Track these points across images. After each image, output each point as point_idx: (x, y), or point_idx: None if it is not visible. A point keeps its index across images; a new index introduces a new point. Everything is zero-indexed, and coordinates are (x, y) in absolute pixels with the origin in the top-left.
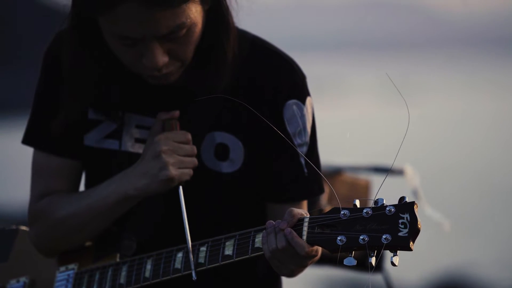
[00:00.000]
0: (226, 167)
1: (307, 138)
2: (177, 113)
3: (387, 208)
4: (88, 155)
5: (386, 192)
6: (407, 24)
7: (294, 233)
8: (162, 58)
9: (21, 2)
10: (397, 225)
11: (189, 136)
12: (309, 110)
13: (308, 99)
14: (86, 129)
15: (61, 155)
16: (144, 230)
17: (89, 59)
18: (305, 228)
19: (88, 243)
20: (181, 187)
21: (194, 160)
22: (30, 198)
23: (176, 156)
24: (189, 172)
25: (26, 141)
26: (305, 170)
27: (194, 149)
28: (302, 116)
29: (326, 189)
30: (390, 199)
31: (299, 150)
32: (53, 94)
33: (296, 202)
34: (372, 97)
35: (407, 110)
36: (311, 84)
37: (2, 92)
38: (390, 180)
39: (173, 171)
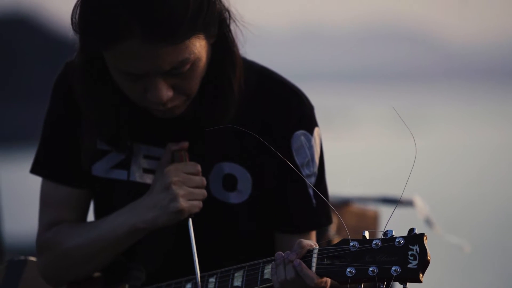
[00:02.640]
0: (234, 198)
1: (315, 169)
2: (186, 144)
3: (397, 240)
4: (96, 185)
5: (396, 223)
6: (416, 56)
7: (304, 265)
8: (167, 93)
9: (32, 37)
10: (406, 257)
11: (199, 167)
12: (317, 141)
13: (316, 130)
14: (95, 159)
15: (69, 184)
16: (153, 261)
17: (98, 92)
18: (314, 260)
19: (96, 274)
20: (190, 220)
21: (204, 192)
22: (38, 227)
23: (186, 188)
24: (199, 204)
25: (34, 170)
26: (314, 201)
27: (203, 180)
28: (310, 147)
29: (335, 220)
30: (399, 231)
31: (307, 181)
32: (62, 124)
33: (305, 233)
34: (380, 128)
35: (414, 141)
36: (320, 115)
37: (12, 125)
38: (400, 211)
39: (183, 203)
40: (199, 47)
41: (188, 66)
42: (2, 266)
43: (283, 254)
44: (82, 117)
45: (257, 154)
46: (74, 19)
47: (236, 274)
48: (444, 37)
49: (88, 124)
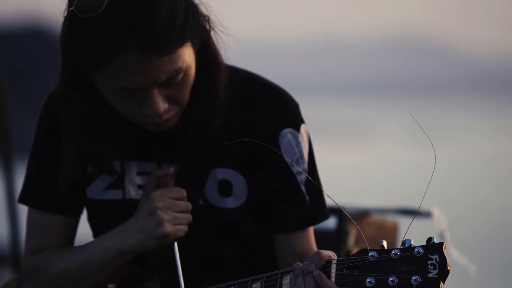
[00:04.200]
0: (231, 203)
1: (305, 165)
2: (171, 169)
3: (416, 249)
4: (91, 207)
5: (414, 234)
6: (435, 67)
7: (323, 275)
8: (163, 105)
9: (50, 49)
10: (426, 266)
11: (184, 192)
12: (305, 138)
13: (302, 127)
14: (87, 182)
15: (55, 212)
16: (167, 272)
17: (84, 116)
18: (333, 270)
19: (111, 286)
20: (176, 244)
21: (189, 216)
22: (24, 253)
23: (171, 213)
24: (184, 228)
25: (21, 199)
26: (307, 198)
27: (189, 205)
28: (298, 144)
29: (353, 231)
30: (417, 241)
31: (298, 178)
32: (48, 154)
33: (301, 230)
34: (399, 139)
35: (434, 152)
36: (339, 127)
37: (30, 135)
38: (418, 222)
39: (169, 228)
40: (189, 55)
41: (181, 76)
42: (15, 277)
43: (301, 264)
44: (68, 142)
45: (249, 157)
46: (63, 42)
47: (254, 285)
48: (464, 48)
49: (74, 149)
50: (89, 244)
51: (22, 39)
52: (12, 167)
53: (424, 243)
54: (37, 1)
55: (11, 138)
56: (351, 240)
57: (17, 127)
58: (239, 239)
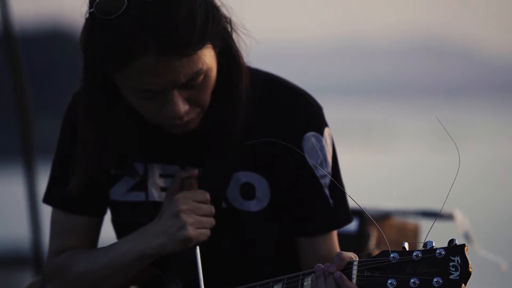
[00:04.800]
0: (254, 206)
1: (329, 169)
2: (196, 171)
3: (437, 251)
4: (114, 208)
5: (436, 236)
6: (458, 69)
7: (344, 277)
8: (183, 107)
9: (71, 52)
10: (448, 268)
11: (208, 195)
12: (328, 141)
13: (326, 130)
14: (111, 183)
15: (78, 213)
16: (189, 274)
17: (106, 118)
18: (355, 272)
19: None
20: (198, 248)
21: (212, 220)
22: (47, 254)
23: (194, 216)
24: (207, 232)
25: (45, 200)
26: (331, 201)
27: (212, 209)
28: (322, 148)
29: (375, 233)
30: (439, 244)
31: (321, 181)
32: (71, 155)
33: (325, 234)
34: (421, 141)
35: (458, 153)
36: (360, 129)
37: (53, 138)
38: (439, 224)
39: (191, 231)
40: (210, 57)
41: (201, 77)
42: (38, 279)
43: (322, 266)
44: (89, 143)
45: (272, 161)
46: (84, 43)
47: (275, 287)
48: (486, 50)
49: (96, 150)
50: (111, 246)
51: (43, 41)
52: (34, 168)
53: (446, 245)
54: (58, 4)
55: (33, 140)
56: (372, 242)
57: (39, 128)
58: (262, 242)
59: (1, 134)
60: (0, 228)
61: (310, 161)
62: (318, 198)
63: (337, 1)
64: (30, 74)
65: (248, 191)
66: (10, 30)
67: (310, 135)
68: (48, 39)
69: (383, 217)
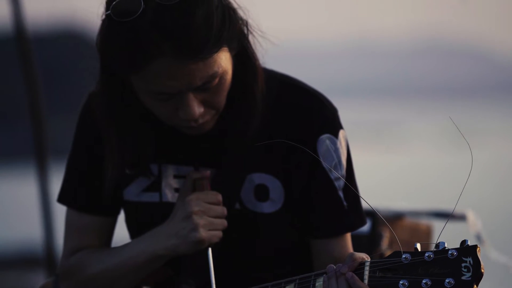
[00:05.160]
0: (268, 207)
1: (343, 171)
2: (208, 172)
3: (449, 252)
4: (128, 209)
5: (448, 237)
6: (470, 69)
7: (356, 277)
8: (198, 109)
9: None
10: (460, 269)
11: (220, 197)
12: (343, 143)
13: (341, 132)
14: (125, 184)
15: (92, 213)
16: (202, 275)
17: (122, 118)
18: (366, 272)
19: None
20: (210, 250)
21: (224, 222)
22: (62, 253)
23: (206, 218)
24: (219, 234)
25: (60, 199)
26: (345, 203)
27: (224, 210)
28: (336, 150)
29: (387, 234)
30: (451, 245)
31: (336, 184)
32: (87, 154)
33: (339, 236)
34: (433, 142)
35: (471, 153)
36: (372, 130)
37: (66, 139)
38: (452, 225)
39: (204, 233)
40: (225, 60)
41: (217, 80)
42: (51, 280)
43: (334, 266)
44: (105, 144)
45: (286, 162)
46: (100, 45)
47: (287, 287)
48: (499, 51)
49: (112, 151)
50: (123, 247)
51: (55, 42)
52: (47, 169)
53: (458, 245)
54: (72, 4)
55: (45, 140)
56: (384, 243)
57: (51, 129)
58: (275, 244)
59: (14, 134)
60: (13, 229)
61: (325, 164)
62: (332, 200)
63: (349, 2)
64: (42, 74)
65: (262, 193)
66: (22, 31)
67: (325, 137)
68: (61, 39)
69: (396, 217)
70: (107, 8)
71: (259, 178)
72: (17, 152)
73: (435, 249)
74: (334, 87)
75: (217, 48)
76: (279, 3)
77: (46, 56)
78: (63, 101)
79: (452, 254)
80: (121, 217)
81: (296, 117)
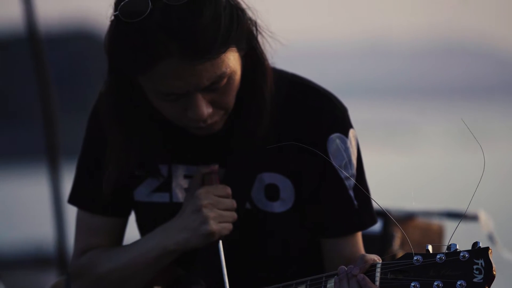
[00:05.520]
0: (278, 207)
1: (354, 170)
2: (216, 167)
3: (461, 254)
4: (139, 209)
5: (460, 237)
6: (480, 69)
7: (367, 279)
8: (207, 109)
9: (97, 52)
10: (471, 271)
11: (229, 190)
12: (353, 142)
13: (351, 131)
14: (135, 184)
15: (103, 214)
16: (213, 273)
17: (130, 119)
18: (378, 274)
19: None
20: (220, 242)
21: (234, 214)
22: (72, 253)
23: (216, 211)
24: (229, 226)
25: (70, 200)
26: (355, 203)
27: (234, 203)
28: (346, 149)
29: (398, 234)
30: (464, 245)
31: (346, 183)
32: (97, 155)
33: (349, 235)
34: (445, 142)
35: (483, 154)
36: (383, 130)
37: (79, 138)
38: (464, 225)
39: (214, 226)
40: (234, 60)
41: (225, 80)
42: (63, 278)
43: (346, 268)
44: (113, 145)
45: (296, 162)
46: (108, 46)
47: None
48: (509, 50)
49: (120, 152)
50: (133, 244)
51: (67, 42)
52: (59, 169)
53: (470, 246)
54: (83, 5)
55: (57, 140)
56: (396, 243)
57: (63, 129)
58: (286, 243)
59: (26, 134)
60: (24, 229)
61: (335, 163)
62: (343, 199)
63: (361, 1)
64: (54, 74)
65: (272, 192)
66: (35, 31)
67: (335, 137)
68: (73, 40)
69: (408, 218)
70: (115, 9)
71: (269, 177)
72: (29, 152)
73: (446, 251)
74: (345, 86)
75: (224, 49)
76: (288, 3)
77: (58, 56)
78: (75, 101)
79: (463, 256)
80: (132, 218)
81: (306, 116)
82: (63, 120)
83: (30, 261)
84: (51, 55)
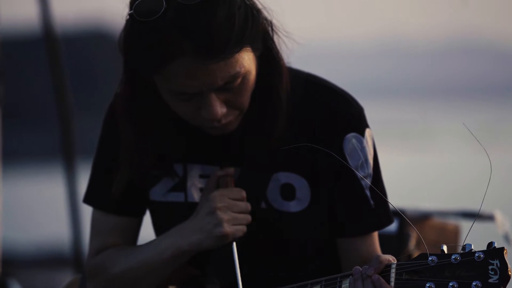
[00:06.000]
0: (294, 207)
1: (370, 170)
2: (232, 170)
3: (476, 254)
4: (154, 209)
5: (476, 237)
6: (498, 70)
7: (382, 280)
8: (221, 109)
9: (112, 53)
10: (487, 272)
11: (244, 193)
12: (369, 142)
13: (367, 131)
14: (151, 184)
15: (118, 214)
16: (227, 273)
17: (146, 117)
18: (393, 275)
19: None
20: (234, 244)
21: (248, 217)
22: (87, 252)
23: (230, 213)
24: (243, 228)
25: (85, 200)
26: (371, 202)
27: (248, 206)
28: (363, 149)
29: (414, 234)
30: (479, 245)
31: (362, 183)
32: (112, 155)
33: (366, 235)
34: (461, 141)
35: (488, 157)
36: (398, 130)
37: (95, 140)
38: (480, 225)
39: (228, 228)
40: (248, 60)
41: (239, 80)
42: (77, 277)
43: (360, 269)
44: (128, 144)
45: (312, 162)
46: (123, 45)
47: None
48: None
49: (135, 151)
50: (148, 244)
51: (83, 42)
52: (75, 169)
53: (485, 248)
54: (99, 5)
55: (73, 140)
56: (412, 243)
57: (79, 129)
58: (302, 243)
59: (42, 134)
60: (40, 228)
61: (351, 163)
62: (359, 199)
63: (376, 1)
64: (70, 74)
65: (288, 192)
66: (51, 31)
67: (351, 136)
68: (89, 40)
69: (423, 217)
70: (130, 8)
71: (285, 177)
72: (45, 152)
73: (461, 252)
74: (364, 87)
75: (238, 48)
76: (306, 2)
77: (74, 56)
78: (90, 101)
79: (479, 256)
80: (147, 217)
81: (322, 116)
82: (78, 120)
83: (46, 260)
84: (67, 55)
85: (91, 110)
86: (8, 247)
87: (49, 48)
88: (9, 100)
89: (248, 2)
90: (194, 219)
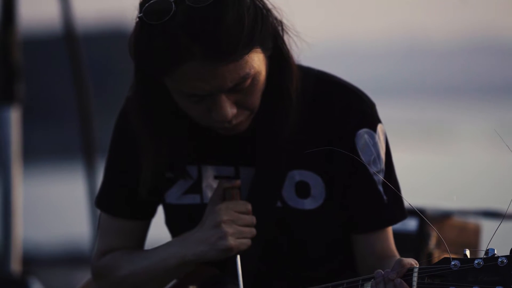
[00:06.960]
0: (309, 204)
1: (382, 165)
2: (238, 182)
3: (499, 259)
4: (169, 211)
5: (497, 238)
6: None
7: (404, 284)
8: (231, 110)
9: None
10: (510, 277)
11: (249, 206)
12: (381, 137)
13: (379, 126)
14: (166, 187)
15: (126, 217)
16: (248, 273)
17: (157, 121)
18: (415, 279)
19: (192, 287)
20: (238, 257)
21: (253, 230)
22: (94, 254)
23: (235, 227)
24: (248, 242)
25: (97, 204)
26: (385, 198)
27: (253, 219)
28: (375, 144)
29: (435, 233)
30: (501, 246)
31: (375, 178)
32: (123, 159)
33: (379, 230)
34: (483, 140)
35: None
36: (419, 129)
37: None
38: (502, 225)
39: (232, 242)
40: (258, 61)
41: (249, 81)
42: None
43: (382, 272)
44: (142, 147)
45: (326, 159)
46: (133, 47)
47: None
48: None
49: (149, 154)
50: (153, 250)
51: (104, 41)
52: (95, 168)
53: (509, 249)
54: (121, 4)
55: (94, 139)
56: (432, 242)
57: (100, 128)
58: (317, 240)
59: (62, 133)
60: (60, 227)
61: (363, 159)
62: (372, 194)
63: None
64: (91, 73)
65: (303, 190)
66: (71, 30)
67: (363, 132)
68: (110, 38)
69: (444, 216)
70: (139, 10)
71: (299, 175)
72: (65, 151)
73: (484, 256)
74: (383, 86)
75: (248, 50)
76: (316, 1)
77: (95, 55)
78: (111, 100)
79: (502, 261)
80: (156, 218)
81: (334, 112)
82: (99, 119)
83: (67, 259)
84: (88, 54)
85: (111, 109)
86: (28, 245)
87: (70, 47)
88: (30, 99)
89: (257, 3)
90: (199, 231)
